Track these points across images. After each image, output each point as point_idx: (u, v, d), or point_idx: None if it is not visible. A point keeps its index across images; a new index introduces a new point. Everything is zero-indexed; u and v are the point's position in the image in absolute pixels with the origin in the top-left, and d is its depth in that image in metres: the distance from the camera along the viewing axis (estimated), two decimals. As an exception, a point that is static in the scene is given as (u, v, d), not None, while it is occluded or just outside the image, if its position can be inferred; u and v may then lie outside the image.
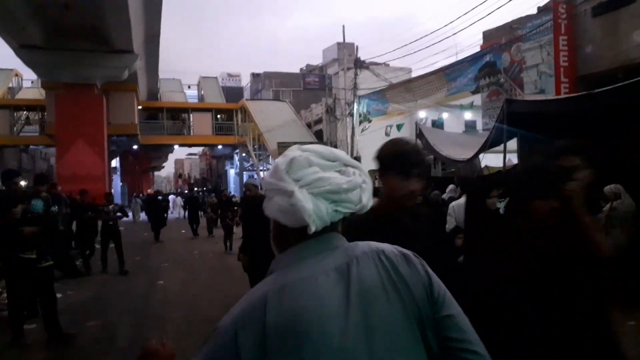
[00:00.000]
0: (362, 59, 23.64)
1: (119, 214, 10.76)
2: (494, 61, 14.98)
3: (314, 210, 1.07)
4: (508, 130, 9.14)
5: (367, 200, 1.15)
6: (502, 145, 10.32)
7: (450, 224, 5.77)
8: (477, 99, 16.95)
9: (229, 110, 36.91)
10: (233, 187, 41.23)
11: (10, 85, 37.89)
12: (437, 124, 20.41)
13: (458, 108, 17.81)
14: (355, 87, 22.98)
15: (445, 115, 19.31)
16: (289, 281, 1.07)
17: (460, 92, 16.39)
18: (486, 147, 10.09)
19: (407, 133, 22.97)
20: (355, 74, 23.01)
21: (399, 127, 18.94)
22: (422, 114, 19.35)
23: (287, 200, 1.08)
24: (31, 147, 36.53)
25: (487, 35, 16.55)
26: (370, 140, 24.02)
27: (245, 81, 51.84)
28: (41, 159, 41.49)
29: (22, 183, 7.85)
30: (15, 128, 32.49)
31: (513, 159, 14.18)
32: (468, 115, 19.83)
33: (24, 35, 20.72)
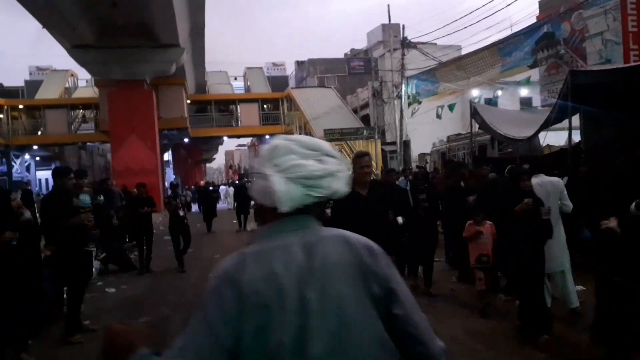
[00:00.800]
0: (408, 38, 22.85)
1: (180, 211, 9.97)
2: (552, 32, 13.95)
3: (286, 193, 1.22)
4: (572, 105, 8.39)
5: (339, 186, 1.29)
6: (563, 122, 9.55)
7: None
8: (534, 75, 15.95)
9: (275, 100, 36.91)
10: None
11: (67, 85, 39.43)
12: (492, 103, 19.43)
13: (513, 84, 16.82)
14: (402, 67, 22.26)
15: (499, 93, 18.33)
16: (264, 248, 1.25)
17: (516, 67, 15.40)
18: (549, 124, 9.33)
19: (459, 113, 22.07)
20: (403, 54, 22.26)
21: (451, 107, 18.09)
22: (474, 93, 18.42)
23: (263, 183, 1.25)
24: (88, 144, 37.91)
25: (544, 4, 15.48)
26: (420, 122, 23.29)
27: (290, 70, 51.67)
28: (99, 155, 43.08)
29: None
30: (73, 126, 33.78)
31: (574, 136, 13.20)
32: (524, 92, 18.75)
33: (76, 35, 21.30)
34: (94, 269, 8.44)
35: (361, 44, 42.98)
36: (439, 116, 19.52)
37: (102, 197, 9.64)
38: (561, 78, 14.05)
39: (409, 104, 22.43)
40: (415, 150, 24.85)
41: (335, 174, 1.28)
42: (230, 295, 1.17)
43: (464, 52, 22.65)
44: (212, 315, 1.17)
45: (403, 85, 22.58)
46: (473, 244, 5.75)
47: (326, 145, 1.33)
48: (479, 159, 14.49)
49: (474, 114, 12.32)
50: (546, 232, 4.70)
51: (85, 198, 6.53)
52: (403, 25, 23.18)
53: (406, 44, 22.19)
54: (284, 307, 1.16)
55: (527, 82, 15.67)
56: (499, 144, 15.60)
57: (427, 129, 23.22)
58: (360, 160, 4.25)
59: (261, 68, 47.92)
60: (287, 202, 1.22)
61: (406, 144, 24.39)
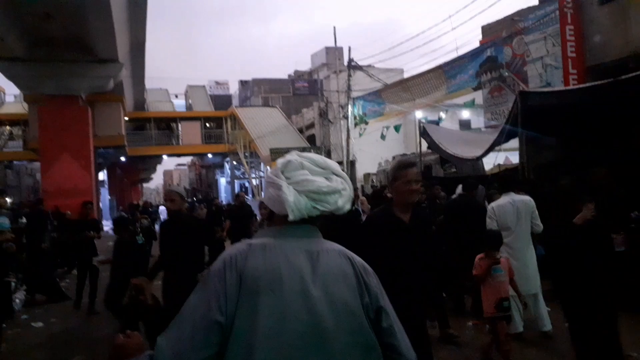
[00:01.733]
0: (354, 60, 23.03)
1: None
2: (495, 56, 14.42)
3: (295, 203, 1.37)
4: (512, 128, 8.56)
5: (343, 203, 1.43)
6: (508, 143, 9.74)
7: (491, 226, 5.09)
8: (478, 97, 16.38)
9: (218, 118, 36.19)
10: (224, 196, 40.44)
11: (-8, 100, 36.93)
12: (437, 124, 19.83)
13: (458, 106, 17.21)
14: (349, 88, 22.36)
15: (443, 115, 18.72)
16: (270, 243, 1.37)
17: (461, 89, 15.79)
18: (499, 143, 9.46)
19: (402, 134, 22.36)
20: (349, 75, 22.39)
21: (396, 128, 18.21)
22: (419, 114, 18.71)
23: (276, 192, 1.40)
24: (15, 162, 35.56)
25: (487, 29, 16.03)
26: (367, 143, 23.44)
27: (233, 89, 51.13)
28: (26, 174, 40.37)
29: (8, 200, 7.09)
30: (-2, 144, 31.57)
31: (511, 157, 13.58)
32: (466, 114, 19.27)
33: (4, 48, 19.83)
34: (17, 300, 7.58)
35: (305, 65, 43.27)
36: (382, 137, 19.65)
37: (24, 219, 8.71)
38: (504, 100, 14.51)
39: (356, 124, 22.51)
40: (361, 170, 24.99)
41: (341, 192, 1.42)
42: (232, 278, 1.28)
43: (406, 75, 23.13)
44: (213, 293, 1.27)
45: (349, 106, 22.66)
46: (488, 284, 4.23)
47: (335, 165, 1.46)
48: (427, 178, 14.60)
49: (424, 133, 12.39)
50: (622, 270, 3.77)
51: (4, 221, 5.73)
52: (349, 47, 23.37)
53: (352, 65, 22.34)
54: (283, 298, 1.27)
55: (472, 104, 16.06)
56: (443, 164, 15.81)
57: (372, 149, 23.46)
58: (405, 174, 2.89)
59: (204, 86, 47.09)
60: (296, 211, 1.36)
61: (352, 164, 24.47)
